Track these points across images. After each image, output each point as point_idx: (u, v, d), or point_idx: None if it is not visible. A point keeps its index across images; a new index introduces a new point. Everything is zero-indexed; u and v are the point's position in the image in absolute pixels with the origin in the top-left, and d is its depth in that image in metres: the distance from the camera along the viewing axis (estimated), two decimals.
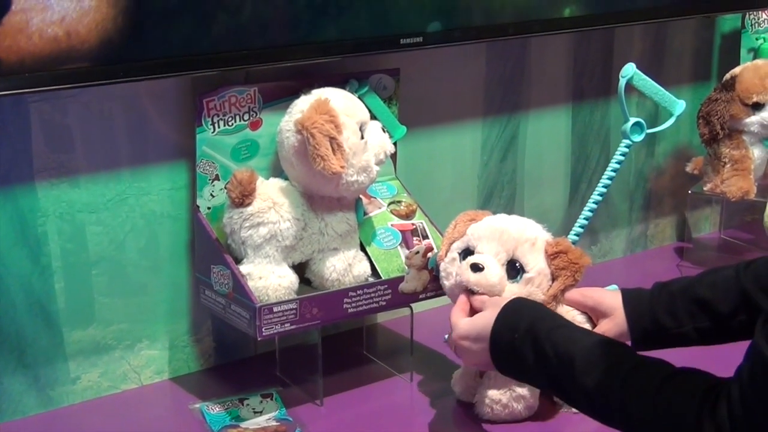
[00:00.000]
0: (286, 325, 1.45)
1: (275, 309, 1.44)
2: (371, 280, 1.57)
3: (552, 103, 1.99)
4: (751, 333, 1.09)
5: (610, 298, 1.45)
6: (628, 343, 1.39)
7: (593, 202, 1.56)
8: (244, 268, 1.47)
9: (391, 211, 1.66)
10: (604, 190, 1.56)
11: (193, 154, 1.51)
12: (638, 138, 1.57)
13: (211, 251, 1.51)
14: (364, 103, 1.56)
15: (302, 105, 1.48)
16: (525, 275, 1.42)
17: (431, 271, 1.55)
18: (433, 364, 1.66)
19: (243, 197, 1.46)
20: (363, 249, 1.60)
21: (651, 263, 2.17)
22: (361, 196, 1.59)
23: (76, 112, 1.45)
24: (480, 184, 1.92)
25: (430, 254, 1.55)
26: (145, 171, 1.53)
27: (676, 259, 2.16)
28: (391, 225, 1.64)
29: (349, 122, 1.48)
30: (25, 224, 1.44)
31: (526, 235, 1.44)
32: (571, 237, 1.54)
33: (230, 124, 1.52)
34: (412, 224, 1.66)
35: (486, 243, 1.43)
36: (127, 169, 1.52)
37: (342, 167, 1.44)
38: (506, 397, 1.46)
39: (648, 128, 1.58)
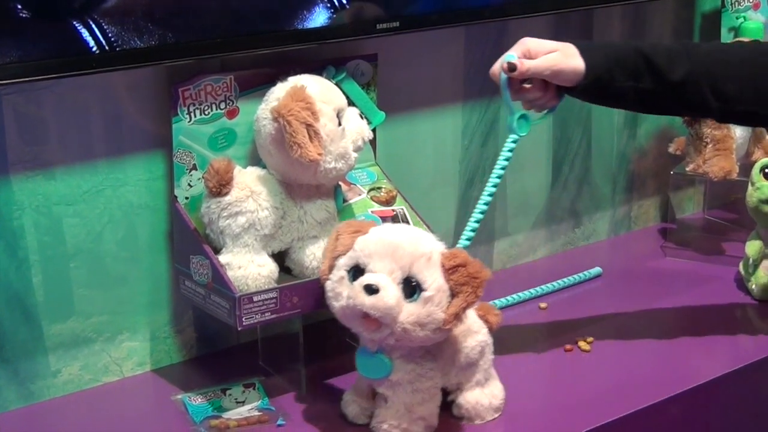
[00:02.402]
0: (266, 314, 1.45)
1: (255, 298, 1.43)
2: None
3: None
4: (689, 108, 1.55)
5: (564, 45, 1.49)
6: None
7: (483, 203, 1.50)
8: (223, 258, 1.47)
9: (372, 198, 1.66)
10: (494, 189, 1.50)
11: (169, 143, 1.50)
12: (525, 131, 1.52)
13: (189, 241, 1.50)
14: (341, 89, 1.55)
15: (279, 92, 1.47)
16: (423, 294, 1.30)
17: None
18: None
19: (220, 186, 1.45)
20: None
21: (635, 245, 2.17)
22: (340, 182, 1.58)
23: (51, 103, 1.44)
24: (461, 169, 1.91)
25: None
26: (121, 162, 1.52)
27: (660, 240, 2.16)
28: (372, 211, 1.63)
29: (326, 109, 1.47)
30: (1, 218, 1.43)
31: (421, 250, 1.32)
32: (462, 242, 1.48)
33: (207, 113, 1.51)
34: (393, 210, 1.65)
35: (378, 260, 1.31)
36: (104, 160, 1.51)
37: (319, 154, 1.43)
38: (406, 420, 1.38)
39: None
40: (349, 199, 1.63)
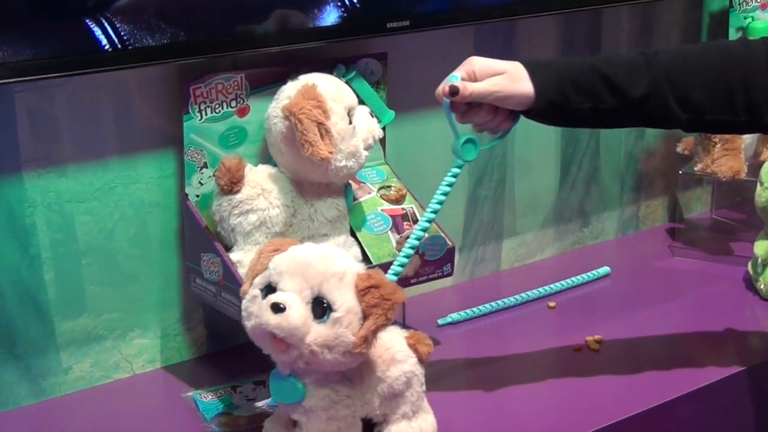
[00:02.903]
0: None
1: None
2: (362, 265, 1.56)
3: None
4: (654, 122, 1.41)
5: (513, 67, 1.40)
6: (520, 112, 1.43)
7: (420, 229, 1.41)
8: (234, 256, 1.47)
9: (381, 196, 1.66)
10: (433, 215, 1.41)
11: (180, 141, 1.50)
12: (472, 157, 1.43)
13: (200, 239, 1.51)
14: (351, 88, 1.55)
15: (289, 91, 1.48)
16: (333, 314, 1.22)
17: (422, 255, 1.55)
18: None
19: (231, 184, 1.46)
20: (353, 234, 1.60)
21: (643, 244, 2.17)
22: (350, 181, 1.59)
23: (63, 101, 1.45)
24: (470, 168, 1.91)
25: None
26: (132, 160, 1.53)
27: (669, 239, 2.16)
28: (381, 210, 1.64)
29: (337, 107, 1.47)
30: (13, 215, 1.44)
31: (332, 269, 1.24)
32: (391, 276, 1.38)
33: (218, 111, 1.51)
34: (402, 209, 1.65)
35: (288, 278, 1.23)
36: (115, 158, 1.51)
37: (330, 153, 1.44)
38: None
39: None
40: (359, 197, 1.63)
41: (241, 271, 1.45)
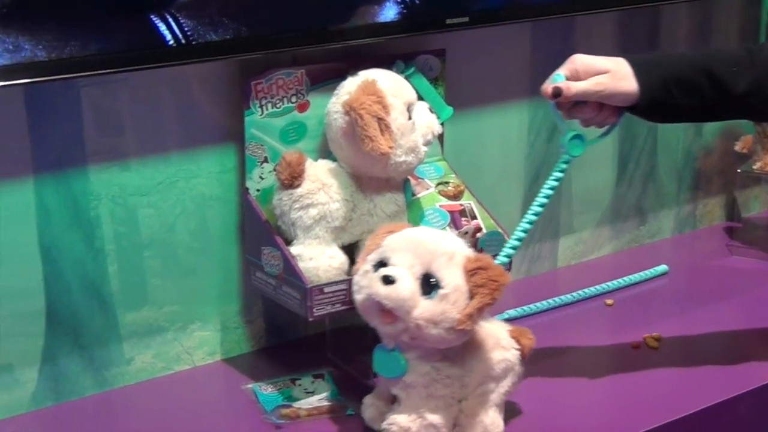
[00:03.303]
0: (337, 305, 1.46)
1: (326, 289, 1.45)
2: None
3: None
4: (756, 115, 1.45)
5: (616, 66, 1.41)
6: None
7: (527, 222, 1.41)
8: (294, 249, 1.48)
9: (439, 192, 1.66)
10: (540, 209, 1.42)
11: (241, 136, 1.52)
12: (579, 152, 1.44)
13: (261, 233, 1.52)
14: (410, 83, 1.56)
15: (349, 86, 1.49)
16: (440, 291, 1.27)
17: (480, 251, 1.55)
18: None
19: (292, 179, 1.47)
20: None
21: (700, 243, 2.16)
22: (409, 177, 1.60)
23: (126, 96, 1.47)
24: (527, 165, 1.91)
25: (478, 234, 1.55)
26: (194, 154, 1.54)
27: (726, 238, 2.15)
28: (440, 206, 1.64)
29: (397, 103, 1.48)
30: (79, 208, 1.46)
31: (443, 248, 1.30)
32: (501, 259, 1.40)
33: (278, 106, 1.53)
34: (460, 205, 1.66)
35: (401, 254, 1.29)
36: (177, 152, 1.53)
37: (390, 148, 1.44)
38: (416, 425, 1.33)
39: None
40: (418, 193, 1.64)
41: (302, 265, 1.46)
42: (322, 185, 1.49)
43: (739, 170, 2.07)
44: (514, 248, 1.41)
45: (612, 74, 1.40)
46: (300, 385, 1.52)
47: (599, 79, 1.40)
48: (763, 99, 1.41)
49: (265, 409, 1.46)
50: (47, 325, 1.47)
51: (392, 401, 1.37)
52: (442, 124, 1.60)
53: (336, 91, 1.52)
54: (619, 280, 1.90)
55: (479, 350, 1.36)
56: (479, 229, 1.55)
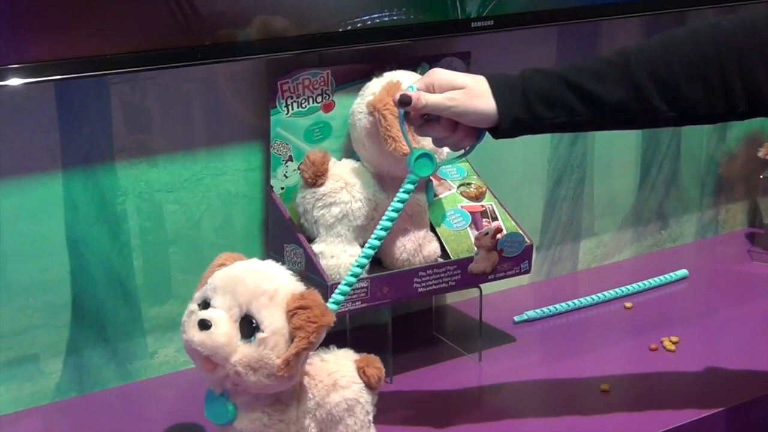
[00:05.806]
0: (357, 303, 1.48)
1: None
2: (441, 260, 1.59)
3: None
4: (640, 123, 1.32)
5: (474, 82, 1.28)
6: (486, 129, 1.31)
7: (369, 247, 1.30)
8: (316, 247, 1.50)
9: (461, 193, 1.68)
10: (383, 233, 1.30)
11: (267, 135, 1.54)
12: (427, 173, 1.33)
13: (284, 230, 1.54)
14: None
15: (374, 87, 1.51)
16: (258, 335, 1.17)
17: (500, 252, 1.57)
18: (501, 345, 1.68)
19: (316, 177, 1.49)
20: (433, 230, 1.62)
21: (722, 248, 2.16)
22: (431, 177, 1.61)
23: (155, 93, 1.49)
24: (549, 168, 1.92)
25: (499, 235, 1.56)
26: (220, 152, 1.57)
27: (747, 244, 2.15)
28: (461, 206, 1.66)
29: None
30: (106, 203, 1.49)
31: (263, 287, 1.18)
32: (335, 297, 1.30)
33: (304, 106, 1.55)
34: (482, 206, 1.67)
35: (220, 295, 1.19)
36: (204, 149, 1.55)
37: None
38: None
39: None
40: (440, 194, 1.65)
41: (323, 262, 1.48)
42: (345, 184, 1.50)
43: (762, 176, 2.08)
44: (349, 285, 1.30)
45: (467, 91, 1.27)
46: None
47: (452, 94, 1.27)
48: (643, 104, 1.27)
49: None
50: (72, 318, 1.50)
51: None
52: None
53: (361, 92, 1.54)
54: (639, 283, 1.91)
55: (315, 392, 1.27)
56: (500, 230, 1.57)
